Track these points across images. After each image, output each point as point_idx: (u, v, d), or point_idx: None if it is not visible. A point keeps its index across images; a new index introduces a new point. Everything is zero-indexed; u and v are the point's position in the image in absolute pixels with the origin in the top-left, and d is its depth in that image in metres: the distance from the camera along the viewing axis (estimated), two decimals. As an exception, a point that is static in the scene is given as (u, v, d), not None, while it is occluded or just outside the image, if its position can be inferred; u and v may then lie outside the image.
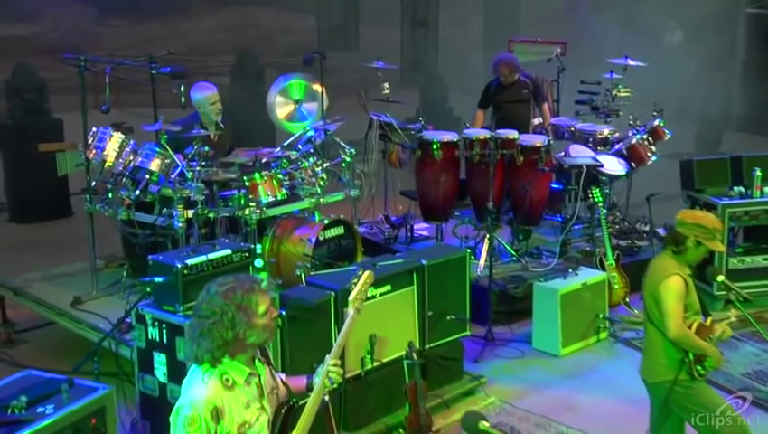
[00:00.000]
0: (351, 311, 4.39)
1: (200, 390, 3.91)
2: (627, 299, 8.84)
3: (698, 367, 5.59)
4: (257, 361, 4.13)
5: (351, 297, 4.43)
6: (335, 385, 4.31)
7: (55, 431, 4.93)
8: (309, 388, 4.37)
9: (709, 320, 5.69)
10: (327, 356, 4.30)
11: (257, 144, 8.79)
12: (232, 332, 3.89)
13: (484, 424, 3.96)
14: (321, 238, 7.88)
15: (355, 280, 4.58)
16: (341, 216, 8.29)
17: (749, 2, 15.82)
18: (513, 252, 9.45)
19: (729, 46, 15.13)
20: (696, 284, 5.71)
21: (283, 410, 4.19)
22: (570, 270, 8.54)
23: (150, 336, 6.09)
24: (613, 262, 8.64)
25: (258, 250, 6.48)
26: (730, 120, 15.97)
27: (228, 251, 6.33)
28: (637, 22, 13.14)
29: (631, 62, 10.34)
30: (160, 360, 6.05)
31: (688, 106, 14.69)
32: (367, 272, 4.62)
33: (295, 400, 4.27)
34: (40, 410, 4.99)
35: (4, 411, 4.92)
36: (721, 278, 6.00)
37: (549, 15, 13.97)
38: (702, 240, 5.60)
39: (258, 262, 6.38)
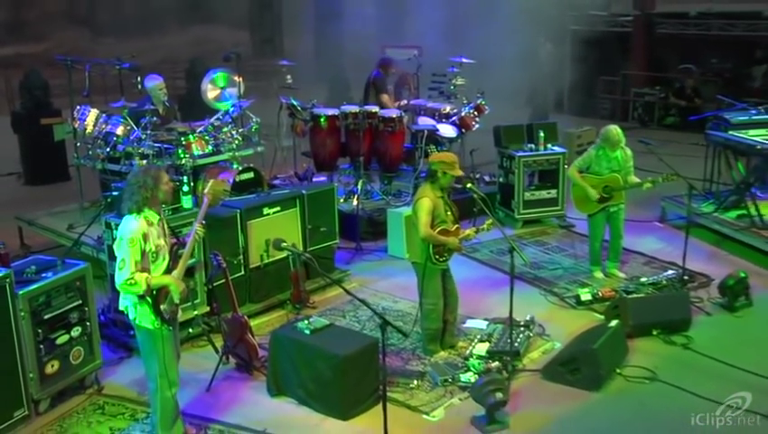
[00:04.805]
0: (205, 199, 5.75)
1: (134, 223, 5.33)
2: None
3: (436, 256, 6.63)
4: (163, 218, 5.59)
5: (205, 190, 5.81)
6: (201, 238, 5.82)
7: (53, 287, 6.16)
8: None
9: (454, 227, 6.69)
10: (194, 222, 5.75)
11: (199, 118, 9.56)
12: (151, 191, 5.37)
13: (285, 244, 5.37)
14: (237, 179, 8.85)
15: (207, 183, 6.01)
16: (251, 165, 9.21)
17: (573, 21, 16.95)
18: (381, 193, 10.71)
19: (561, 52, 16.14)
20: (447, 202, 6.67)
21: (175, 247, 5.62)
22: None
23: (114, 236, 6.86)
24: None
25: (185, 181, 7.60)
26: (562, 106, 17.36)
27: (165, 181, 7.45)
28: (488, 28, 14.15)
29: (465, 60, 11.46)
30: (121, 251, 7.21)
31: (530, 94, 16.06)
32: (212, 180, 6.06)
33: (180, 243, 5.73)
34: (43, 275, 6.21)
35: (20, 275, 6.13)
36: (470, 185, 6.73)
37: (429, 25, 14.98)
38: (446, 170, 6.55)
39: (185, 188, 7.46)
